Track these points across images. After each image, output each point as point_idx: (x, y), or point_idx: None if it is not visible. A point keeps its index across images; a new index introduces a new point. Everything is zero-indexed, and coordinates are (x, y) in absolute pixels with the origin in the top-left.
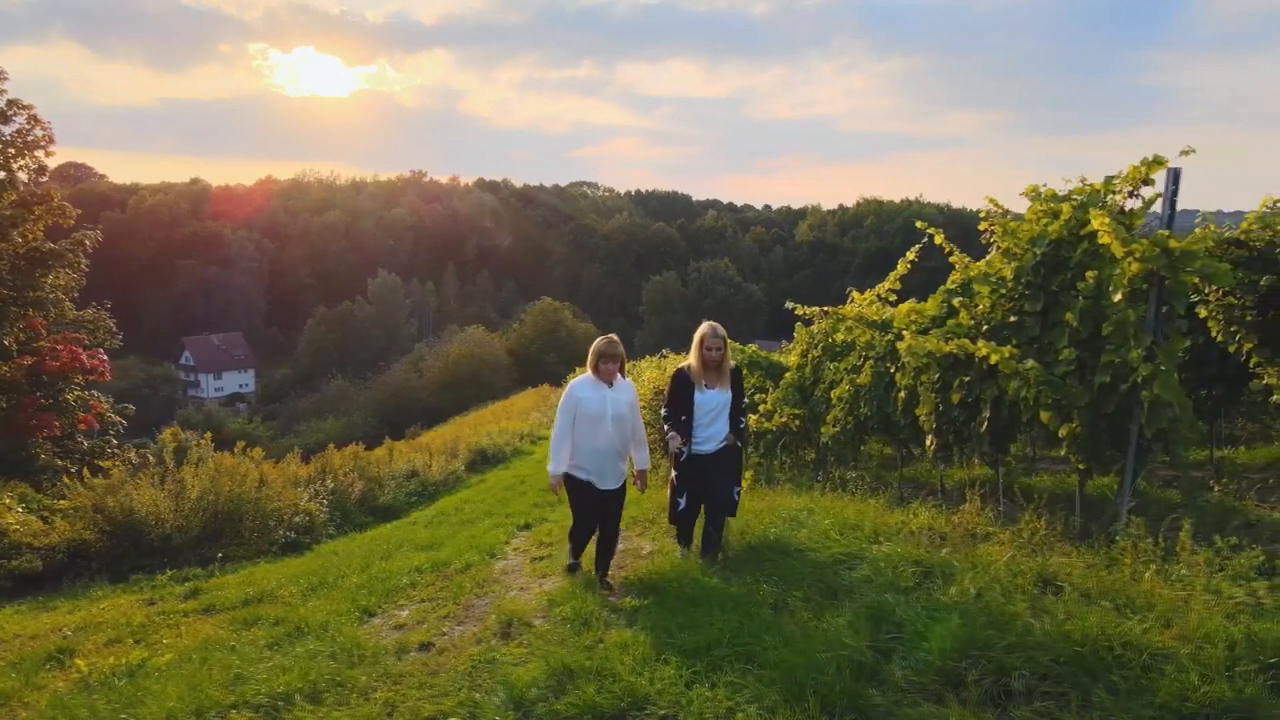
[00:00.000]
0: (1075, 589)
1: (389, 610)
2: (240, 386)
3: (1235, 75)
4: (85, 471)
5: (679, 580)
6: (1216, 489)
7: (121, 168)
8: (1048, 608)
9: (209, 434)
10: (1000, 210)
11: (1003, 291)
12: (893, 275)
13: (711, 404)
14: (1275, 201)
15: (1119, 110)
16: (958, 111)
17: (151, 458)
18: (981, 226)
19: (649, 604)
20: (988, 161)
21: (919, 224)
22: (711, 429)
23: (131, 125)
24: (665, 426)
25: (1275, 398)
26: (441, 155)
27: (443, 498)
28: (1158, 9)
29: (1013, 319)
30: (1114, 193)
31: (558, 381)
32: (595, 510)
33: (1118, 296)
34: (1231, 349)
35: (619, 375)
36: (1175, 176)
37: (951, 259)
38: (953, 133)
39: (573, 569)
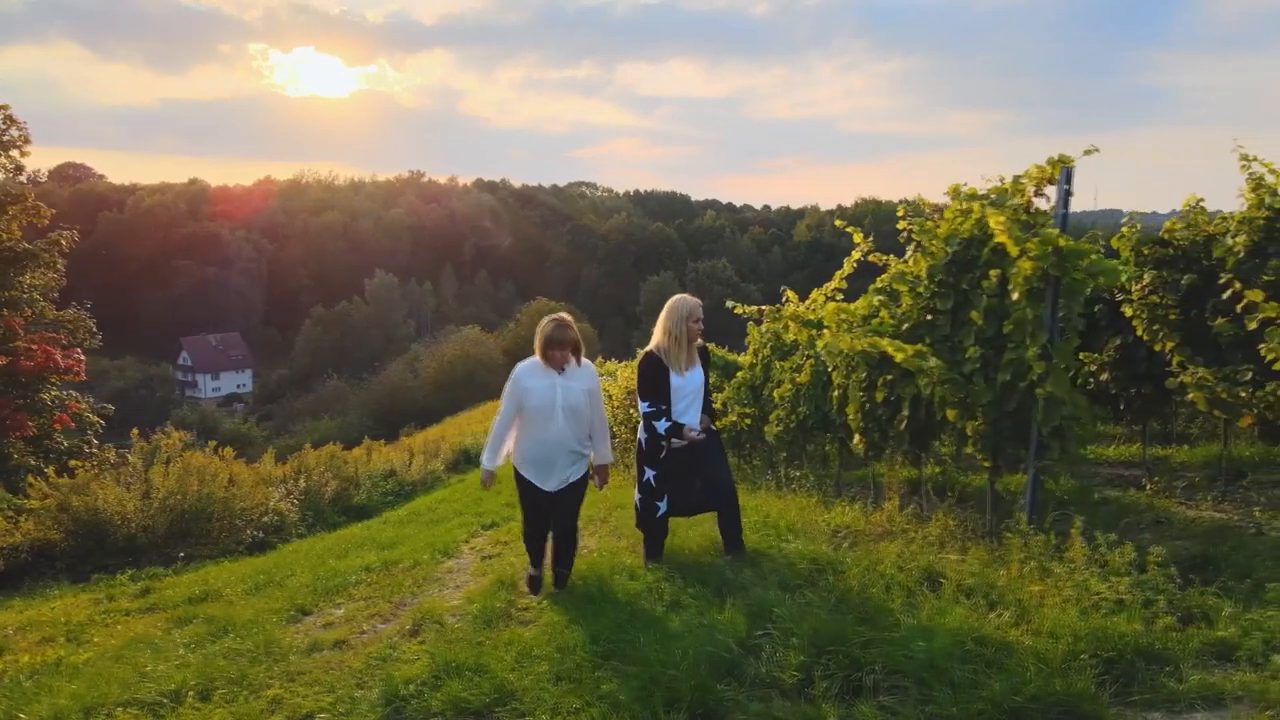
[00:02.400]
0: (954, 585)
1: (325, 609)
2: (238, 387)
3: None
4: (50, 471)
5: (583, 578)
6: (1149, 487)
7: (121, 168)
8: (919, 604)
9: (178, 434)
10: (931, 208)
11: (919, 290)
12: (838, 274)
13: (690, 387)
14: (1198, 201)
15: (1119, 110)
16: (958, 111)
17: (130, 457)
18: (900, 225)
19: (549, 602)
20: (988, 161)
21: (838, 222)
22: (688, 415)
23: (131, 125)
24: (656, 425)
25: (1190, 396)
26: (441, 155)
27: (419, 497)
28: (1158, 9)
29: (927, 317)
30: (1021, 192)
31: None
32: (543, 512)
33: (1015, 295)
34: (1157, 348)
35: (573, 360)
36: (1068, 175)
37: (871, 258)
38: (953, 132)
39: (533, 582)
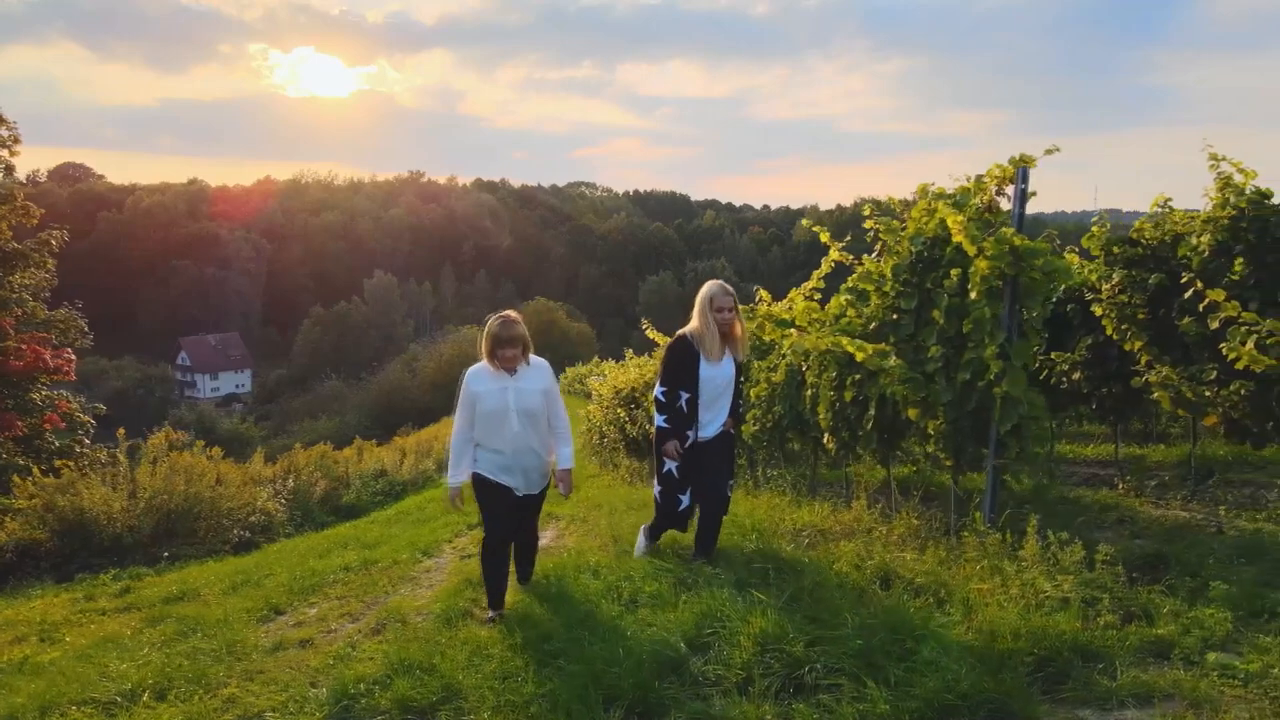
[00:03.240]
0: (906, 584)
1: (299, 608)
2: (237, 387)
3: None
4: (36, 470)
5: (548, 576)
6: (1121, 486)
7: (121, 168)
8: (867, 602)
9: (163, 433)
10: (901, 207)
11: (885, 289)
12: (816, 274)
13: (719, 379)
14: (1166, 201)
15: (1119, 110)
16: (958, 111)
17: (120, 457)
18: (867, 225)
19: (513, 601)
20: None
21: (804, 222)
22: (714, 409)
23: (131, 125)
24: (660, 416)
25: (1155, 395)
26: (441, 156)
27: (409, 497)
28: (1158, 9)
29: (893, 317)
30: (983, 191)
31: None
32: (514, 520)
33: (974, 294)
34: (1127, 347)
35: (524, 359)
36: (1024, 175)
37: (839, 257)
38: (953, 132)
39: (496, 622)
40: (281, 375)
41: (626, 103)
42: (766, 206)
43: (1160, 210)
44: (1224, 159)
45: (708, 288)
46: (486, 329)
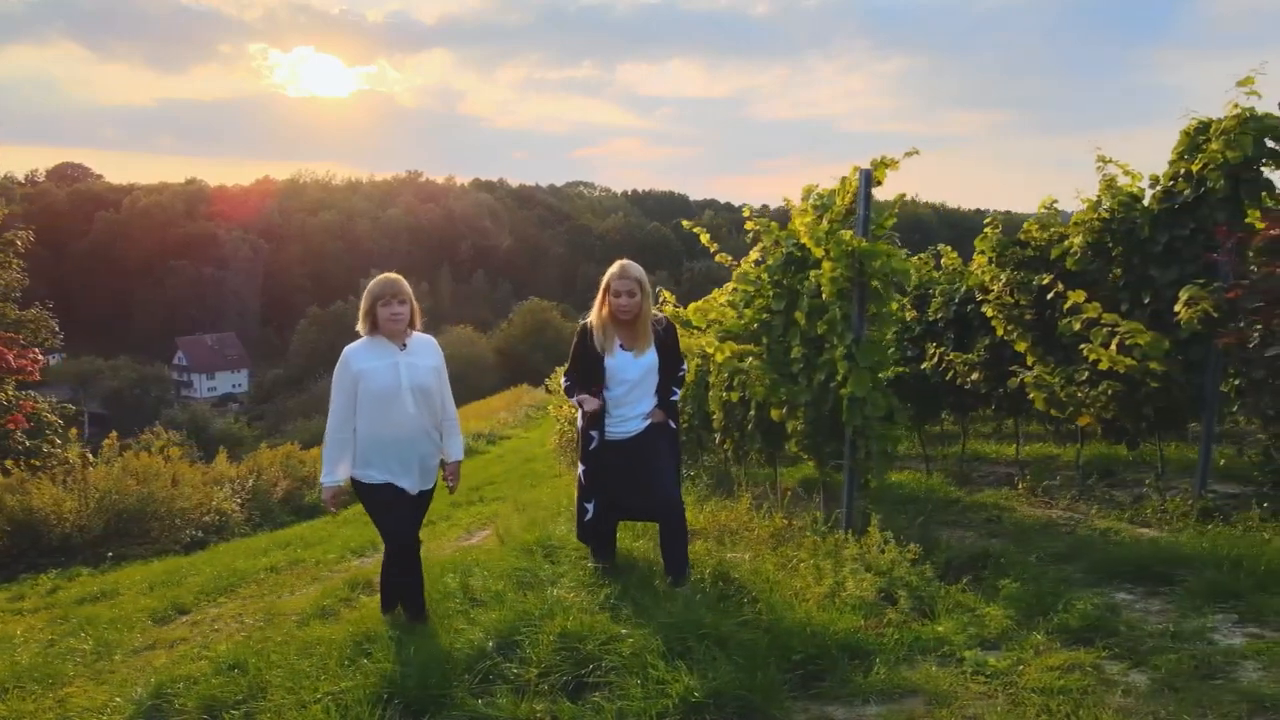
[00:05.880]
0: (731, 583)
1: (204, 608)
2: (233, 387)
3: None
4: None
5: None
6: (1020, 485)
7: (121, 168)
8: (675, 600)
9: (114, 434)
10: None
11: (764, 290)
12: (737, 272)
13: (626, 372)
14: (1053, 202)
15: (1119, 110)
16: (958, 111)
17: (92, 458)
18: (747, 226)
19: (365, 601)
20: (988, 161)
21: (685, 224)
22: (628, 406)
23: (131, 125)
24: (571, 401)
25: (1030, 395)
26: (441, 156)
27: None
28: (1159, 9)
29: (764, 316)
30: (848, 193)
31: (538, 381)
32: (414, 521)
33: (826, 295)
34: (1018, 348)
35: (413, 331)
36: (867, 178)
37: (718, 259)
38: (953, 132)
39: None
40: (278, 375)
41: (626, 103)
42: (765, 206)
43: (1047, 212)
44: (1110, 161)
45: (610, 270)
46: (369, 289)
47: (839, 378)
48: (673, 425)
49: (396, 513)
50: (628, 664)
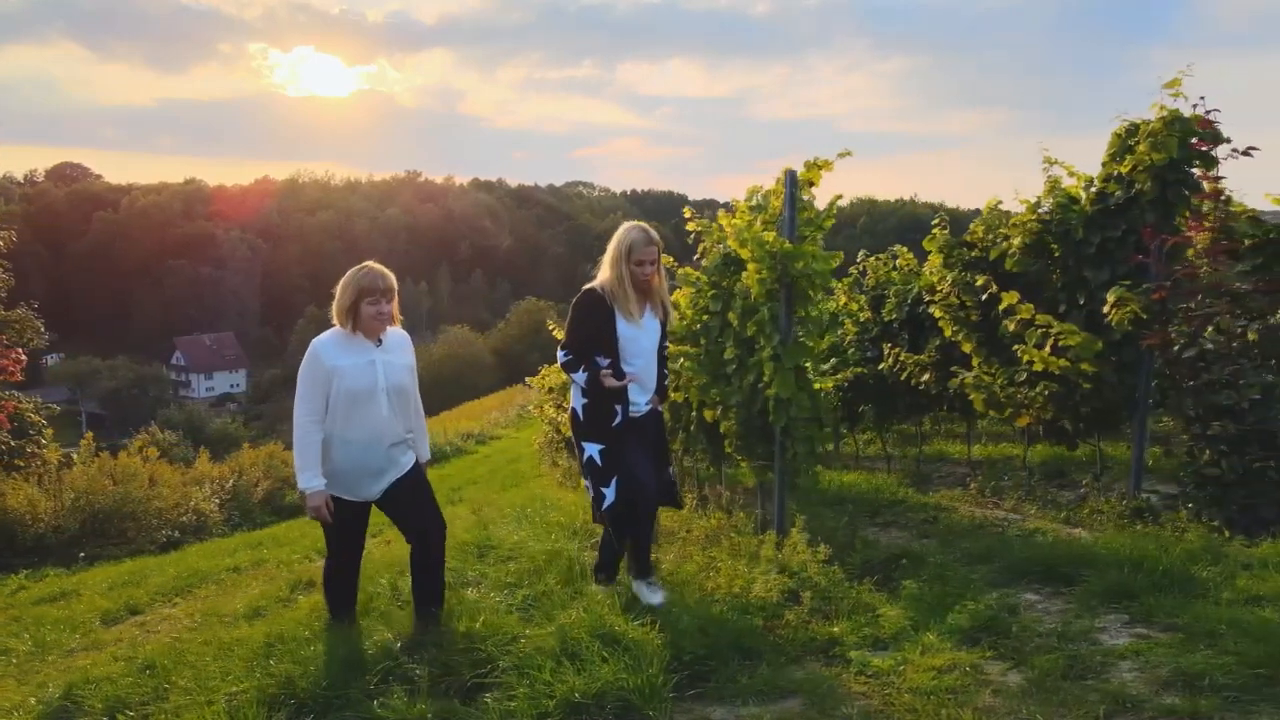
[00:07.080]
0: (663, 581)
1: (159, 608)
2: (232, 387)
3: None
4: None
5: None
6: (972, 486)
7: (120, 168)
8: (590, 597)
9: (90, 434)
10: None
11: (703, 291)
12: (679, 274)
13: (646, 342)
14: (997, 203)
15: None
16: (959, 111)
17: (75, 457)
18: (689, 226)
19: (303, 601)
20: (988, 161)
21: (687, 212)
22: (644, 377)
23: (131, 125)
24: (574, 376)
25: (970, 396)
26: (441, 156)
27: None
28: (1159, 9)
29: (703, 318)
30: (779, 195)
31: None
32: (362, 535)
33: (754, 296)
34: (965, 349)
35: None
36: (793, 180)
37: (666, 262)
38: (954, 132)
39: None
40: (276, 375)
41: (626, 102)
42: None
43: (992, 212)
44: (1056, 162)
45: (625, 233)
46: (350, 279)
47: (765, 378)
48: (659, 410)
49: (351, 527)
50: (522, 665)
